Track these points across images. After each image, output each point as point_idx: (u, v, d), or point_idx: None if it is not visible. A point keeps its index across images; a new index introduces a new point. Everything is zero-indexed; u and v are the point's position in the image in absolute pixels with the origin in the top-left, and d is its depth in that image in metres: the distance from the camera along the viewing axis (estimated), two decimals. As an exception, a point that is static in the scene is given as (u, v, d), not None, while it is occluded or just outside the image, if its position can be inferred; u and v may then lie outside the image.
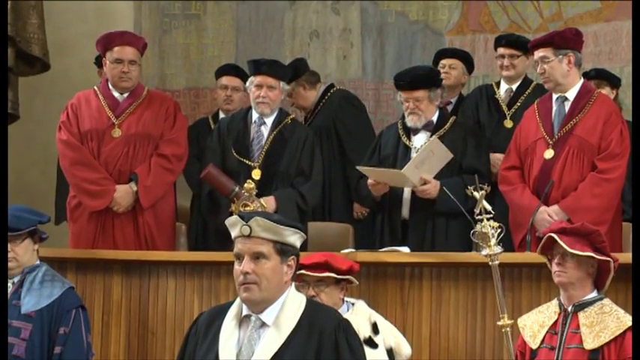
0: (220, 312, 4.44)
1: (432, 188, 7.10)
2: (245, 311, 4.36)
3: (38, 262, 6.14)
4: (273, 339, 4.30)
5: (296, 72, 8.43)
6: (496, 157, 7.64)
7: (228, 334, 4.35)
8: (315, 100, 8.47)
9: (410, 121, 7.41)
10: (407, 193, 7.31)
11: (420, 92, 7.33)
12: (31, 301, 5.99)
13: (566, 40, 7.01)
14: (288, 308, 4.35)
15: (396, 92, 7.53)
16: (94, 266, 7.12)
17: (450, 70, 8.43)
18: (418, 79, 7.42)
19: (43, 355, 5.93)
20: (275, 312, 4.34)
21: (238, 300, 4.39)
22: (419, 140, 7.39)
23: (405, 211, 7.34)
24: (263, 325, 4.33)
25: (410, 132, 7.44)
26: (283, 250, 4.33)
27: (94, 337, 6.55)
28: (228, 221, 4.37)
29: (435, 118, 7.40)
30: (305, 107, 8.45)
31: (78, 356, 5.98)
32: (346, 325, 4.40)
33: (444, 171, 7.21)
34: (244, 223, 4.29)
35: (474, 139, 7.43)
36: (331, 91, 8.59)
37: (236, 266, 4.32)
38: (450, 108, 8.45)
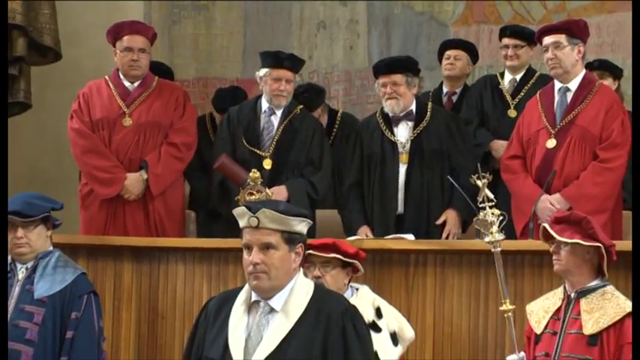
0: (229, 297, 4.46)
1: (452, 219, 7.21)
2: (254, 297, 4.38)
3: (51, 248, 6.17)
4: (282, 324, 4.32)
5: (315, 102, 8.40)
6: (500, 144, 7.68)
7: (238, 320, 4.37)
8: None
9: (388, 107, 7.37)
10: (401, 192, 7.35)
11: (398, 76, 7.34)
12: (44, 287, 6.01)
13: (580, 30, 7.03)
14: (297, 294, 4.37)
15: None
16: (105, 252, 7.13)
17: (455, 61, 8.45)
18: (395, 63, 7.47)
19: (55, 340, 5.95)
20: (283, 298, 4.36)
21: (247, 286, 4.42)
22: (402, 133, 7.37)
23: (400, 206, 7.37)
24: (272, 310, 4.35)
25: (391, 123, 7.41)
26: (291, 238, 4.35)
27: (105, 322, 6.56)
28: (236, 211, 4.39)
29: (413, 108, 7.40)
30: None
31: (89, 340, 6.00)
32: (353, 312, 4.41)
33: (433, 162, 7.25)
34: (252, 214, 4.31)
35: (456, 125, 7.44)
36: (337, 117, 8.56)
37: (245, 256, 4.35)
38: (455, 98, 8.48)
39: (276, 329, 4.31)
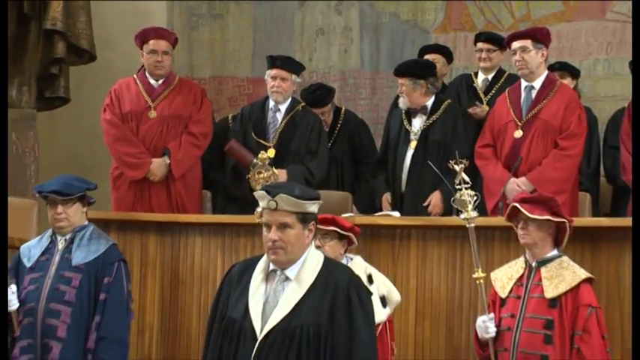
0: (250, 265, 4.45)
1: (436, 200, 7.22)
2: (271, 267, 4.38)
3: (87, 222, 6.15)
4: (295, 291, 4.31)
5: (326, 99, 8.36)
6: None
7: (257, 286, 4.36)
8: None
9: (400, 102, 7.52)
10: (405, 173, 7.39)
11: (403, 80, 7.43)
12: (80, 255, 6.00)
13: (543, 36, 7.03)
14: (308, 265, 4.36)
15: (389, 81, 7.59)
16: (133, 227, 7.13)
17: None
18: (401, 69, 7.55)
19: (90, 301, 5.94)
20: (297, 268, 4.35)
21: (265, 256, 4.40)
22: (416, 124, 7.44)
23: (403, 186, 7.43)
24: (287, 279, 4.34)
25: (410, 115, 7.49)
26: (305, 218, 4.33)
27: (133, 287, 6.55)
28: (257, 194, 4.37)
29: (429, 104, 7.43)
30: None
31: (119, 302, 6.00)
32: (357, 281, 4.41)
33: (434, 153, 7.25)
34: (271, 198, 4.29)
35: (462, 121, 7.44)
36: (341, 113, 8.50)
37: (265, 232, 4.33)
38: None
39: (290, 295, 4.31)
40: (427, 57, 8.40)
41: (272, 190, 4.33)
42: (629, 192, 6.74)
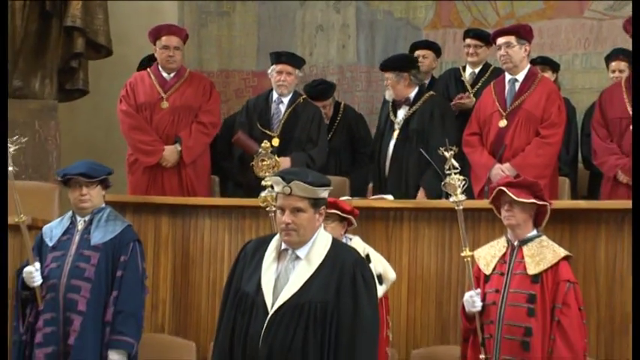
0: (263, 243, 4.45)
1: (421, 196, 7.20)
2: (283, 246, 4.37)
3: (104, 204, 6.16)
4: (305, 270, 4.32)
5: (328, 93, 8.37)
6: None
7: (269, 263, 4.36)
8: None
9: (386, 95, 7.55)
10: (388, 160, 7.39)
11: (388, 73, 7.44)
12: (98, 235, 6.01)
13: (526, 33, 7.01)
14: (318, 246, 4.36)
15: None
16: (147, 209, 7.13)
17: (423, 59, 8.42)
18: (386, 63, 7.58)
19: (108, 277, 5.95)
20: (307, 249, 4.35)
21: (278, 236, 4.40)
22: (400, 115, 7.43)
23: (387, 171, 7.44)
24: (297, 258, 4.34)
25: (395, 106, 7.48)
26: (316, 203, 4.33)
27: (147, 264, 6.54)
28: (272, 180, 4.37)
29: (412, 95, 7.42)
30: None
31: (134, 278, 6.01)
32: (362, 262, 4.42)
33: (414, 141, 7.27)
34: (285, 184, 4.28)
35: (440, 110, 7.41)
36: (341, 107, 8.50)
37: (279, 215, 4.33)
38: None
39: (300, 273, 4.31)
40: (417, 52, 8.40)
41: (287, 177, 4.32)
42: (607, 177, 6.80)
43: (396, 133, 7.42)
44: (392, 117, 7.48)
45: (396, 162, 7.34)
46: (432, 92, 7.58)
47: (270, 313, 4.25)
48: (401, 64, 7.49)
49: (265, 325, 4.24)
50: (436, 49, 8.53)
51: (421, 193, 7.18)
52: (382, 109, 7.79)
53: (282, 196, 4.31)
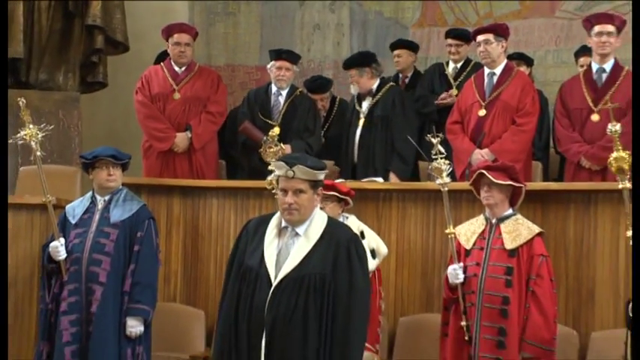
0: (264, 221, 4.45)
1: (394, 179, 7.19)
2: (283, 224, 4.37)
3: (121, 186, 6.16)
4: (304, 245, 4.32)
5: (325, 88, 8.26)
6: None
7: (271, 240, 4.36)
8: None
9: (352, 89, 7.58)
10: (356, 146, 7.39)
11: (351, 71, 7.47)
12: (117, 214, 6.01)
13: (503, 31, 7.00)
14: (315, 224, 4.36)
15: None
16: (161, 190, 7.12)
17: (399, 58, 8.40)
18: (348, 62, 7.63)
19: (126, 252, 5.95)
20: (305, 226, 4.35)
21: (278, 214, 4.40)
22: (364, 105, 7.44)
23: (355, 157, 7.46)
24: (296, 235, 4.34)
25: (360, 99, 7.49)
26: (315, 185, 4.34)
27: (161, 240, 6.53)
28: (276, 164, 4.37)
29: (375, 87, 7.43)
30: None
31: (150, 252, 6.00)
32: (356, 238, 4.42)
33: (378, 125, 7.27)
34: (289, 168, 4.29)
35: (400, 99, 7.40)
36: (336, 101, 8.41)
37: (281, 196, 4.33)
38: (407, 80, 8.44)
39: (300, 248, 4.32)
40: (394, 53, 8.38)
41: (289, 161, 4.33)
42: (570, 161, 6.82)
43: (361, 122, 7.45)
44: (357, 108, 7.48)
45: (364, 148, 7.36)
46: (392, 83, 7.58)
47: (274, 285, 4.25)
48: (361, 60, 7.50)
49: (270, 295, 4.24)
50: (412, 47, 8.50)
51: (392, 176, 7.17)
52: (351, 101, 7.78)
53: (285, 179, 4.30)
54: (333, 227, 4.39)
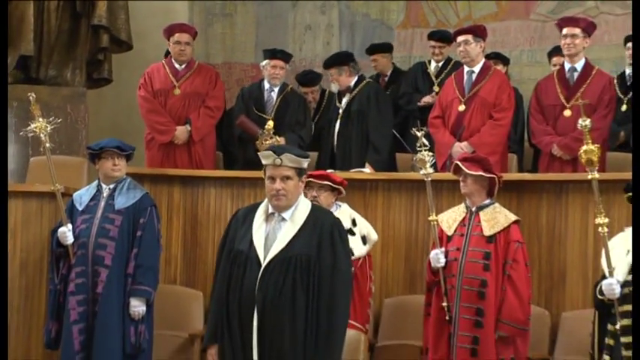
0: (252, 209, 4.47)
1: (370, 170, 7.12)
2: (270, 210, 4.39)
3: (125, 175, 6.14)
4: (290, 229, 4.35)
5: (315, 81, 8.22)
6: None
7: (259, 225, 4.38)
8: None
9: (332, 87, 7.56)
10: (335, 138, 7.34)
11: (331, 70, 7.39)
12: (121, 201, 6.00)
13: (481, 32, 7.00)
14: (300, 209, 4.39)
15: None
16: (162, 179, 7.10)
17: (375, 62, 8.40)
18: (328, 62, 7.54)
19: (129, 236, 5.94)
20: (291, 211, 4.37)
21: (266, 201, 4.41)
22: (344, 101, 7.37)
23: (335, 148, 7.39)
24: (283, 219, 4.36)
25: (340, 95, 7.44)
26: (300, 172, 4.37)
27: (162, 226, 6.56)
28: (264, 154, 4.39)
29: (353, 84, 7.37)
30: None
31: (152, 237, 6.00)
32: (339, 222, 4.46)
33: (355, 120, 7.23)
34: (277, 156, 4.31)
35: (375, 94, 7.34)
36: (326, 94, 8.38)
37: (269, 184, 4.35)
38: (387, 79, 8.42)
39: (286, 232, 4.34)
40: (371, 58, 8.36)
41: (277, 150, 4.36)
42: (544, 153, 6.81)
43: (340, 116, 7.38)
44: (337, 104, 7.44)
45: (342, 140, 7.31)
46: (368, 80, 7.55)
47: (263, 266, 4.28)
48: (340, 59, 7.44)
49: (259, 275, 4.26)
50: (385, 49, 8.44)
51: (368, 167, 7.13)
52: (334, 98, 7.75)
53: (273, 167, 4.32)
54: (317, 212, 4.42)
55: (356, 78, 7.41)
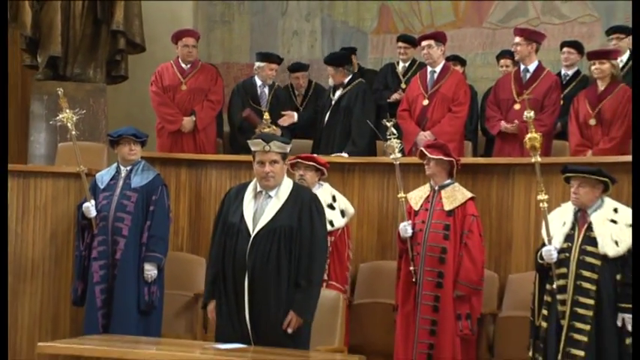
0: (242, 188, 4.49)
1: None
2: (259, 189, 4.41)
3: (140, 159, 6.13)
4: (275, 204, 4.37)
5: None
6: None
7: (248, 201, 4.39)
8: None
9: (330, 81, 7.44)
10: (325, 126, 7.26)
11: (330, 67, 7.31)
12: (137, 181, 5.98)
13: (442, 38, 6.99)
14: (283, 188, 4.40)
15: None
16: (171, 162, 7.07)
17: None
18: (328, 59, 7.46)
19: (144, 211, 5.93)
20: (276, 190, 4.39)
21: (254, 181, 4.43)
22: (337, 95, 7.29)
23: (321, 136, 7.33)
24: (269, 197, 4.38)
25: (335, 89, 7.35)
26: (284, 156, 4.39)
27: (172, 202, 6.54)
28: (253, 142, 4.41)
29: (346, 81, 7.30)
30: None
31: (162, 212, 5.99)
32: (316, 198, 4.49)
33: (341, 114, 7.16)
34: (266, 143, 4.32)
35: (362, 92, 7.27)
36: (312, 84, 8.33)
37: (258, 167, 4.36)
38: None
39: (272, 207, 4.36)
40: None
41: (266, 138, 4.38)
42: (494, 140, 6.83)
43: (331, 109, 7.34)
44: (331, 96, 7.37)
45: (328, 129, 7.28)
46: (360, 79, 7.50)
47: (252, 236, 4.30)
48: (337, 61, 7.37)
49: (249, 244, 4.28)
50: (353, 51, 8.22)
51: (344, 153, 7.05)
52: (329, 90, 7.69)
53: (262, 152, 4.32)
54: (298, 190, 4.44)
55: (350, 77, 7.37)
